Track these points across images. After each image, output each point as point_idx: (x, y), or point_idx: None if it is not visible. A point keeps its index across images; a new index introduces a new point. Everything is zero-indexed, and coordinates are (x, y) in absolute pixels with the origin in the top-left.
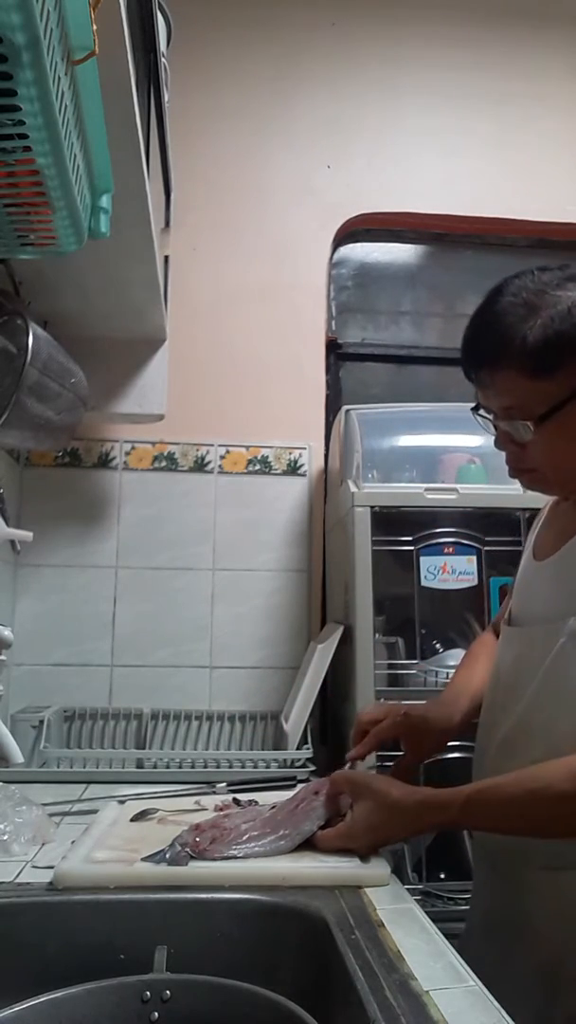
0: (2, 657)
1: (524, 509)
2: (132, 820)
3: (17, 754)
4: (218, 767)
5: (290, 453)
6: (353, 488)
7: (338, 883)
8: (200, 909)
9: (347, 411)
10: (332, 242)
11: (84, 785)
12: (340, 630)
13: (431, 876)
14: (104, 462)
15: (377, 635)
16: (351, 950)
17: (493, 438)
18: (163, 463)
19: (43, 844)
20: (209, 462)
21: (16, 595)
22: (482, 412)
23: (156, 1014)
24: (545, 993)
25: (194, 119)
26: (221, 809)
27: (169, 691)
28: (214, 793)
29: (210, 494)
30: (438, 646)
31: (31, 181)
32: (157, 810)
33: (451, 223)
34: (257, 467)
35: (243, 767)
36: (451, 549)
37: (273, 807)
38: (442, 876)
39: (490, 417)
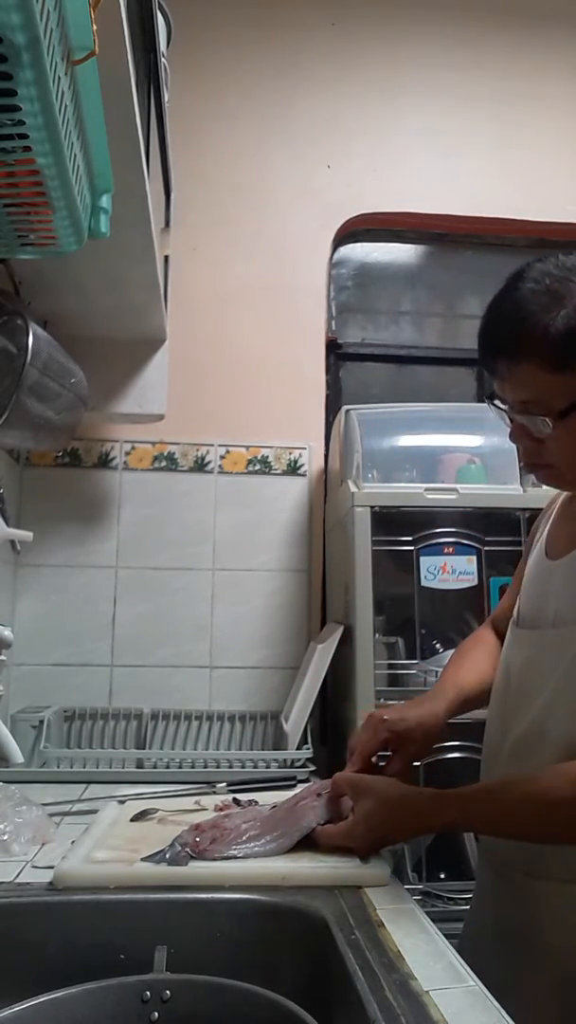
0: (2, 657)
1: (524, 509)
2: (132, 820)
3: (17, 754)
4: (218, 767)
5: (290, 453)
6: (353, 488)
7: (338, 883)
8: (200, 909)
9: (347, 411)
10: (332, 242)
11: (84, 785)
12: (340, 630)
13: (431, 876)
14: (104, 462)
15: (377, 635)
16: (351, 950)
17: (508, 431)
18: (163, 463)
19: (43, 844)
20: (209, 462)
21: (16, 595)
22: (497, 402)
23: (156, 1014)
24: (561, 1009)
25: (194, 119)
26: (221, 809)
27: (169, 691)
28: (214, 793)
29: (210, 494)
30: (438, 646)
31: (31, 181)
32: (157, 810)
33: (451, 223)
34: (257, 467)
35: (243, 767)
36: (451, 549)
37: (273, 807)
38: (442, 876)
39: (505, 408)
